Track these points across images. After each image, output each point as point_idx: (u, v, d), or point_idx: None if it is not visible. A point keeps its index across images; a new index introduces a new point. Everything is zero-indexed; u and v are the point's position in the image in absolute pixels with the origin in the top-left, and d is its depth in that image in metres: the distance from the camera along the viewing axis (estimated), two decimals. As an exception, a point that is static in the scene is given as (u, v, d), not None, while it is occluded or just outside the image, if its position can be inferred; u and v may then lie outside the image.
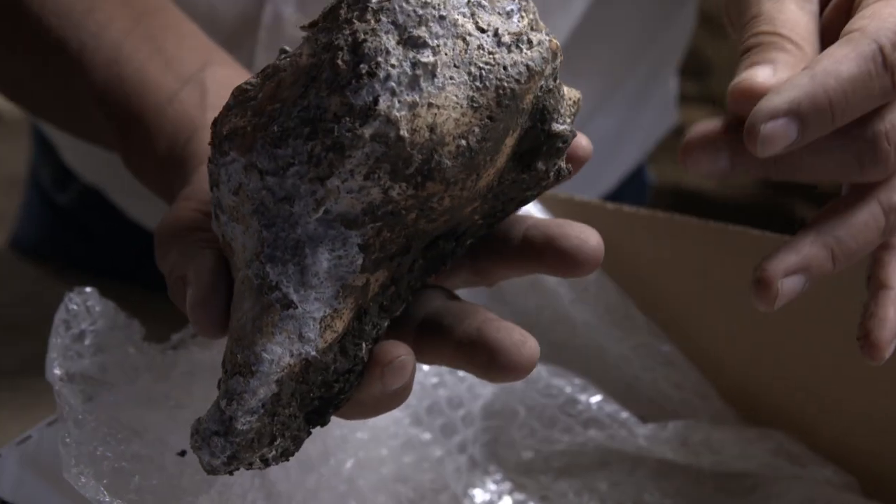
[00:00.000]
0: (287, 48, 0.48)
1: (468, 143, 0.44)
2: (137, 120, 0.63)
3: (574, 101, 0.50)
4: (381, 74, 0.43)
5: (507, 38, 0.45)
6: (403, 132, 0.43)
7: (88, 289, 0.58)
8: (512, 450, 0.68)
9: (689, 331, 0.69)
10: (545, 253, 0.49)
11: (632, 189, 1.07)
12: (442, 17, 0.44)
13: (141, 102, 0.63)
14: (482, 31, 0.45)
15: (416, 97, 0.43)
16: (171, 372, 0.58)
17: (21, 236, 1.11)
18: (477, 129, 0.44)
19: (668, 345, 0.69)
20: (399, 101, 0.43)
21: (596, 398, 0.68)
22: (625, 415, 0.67)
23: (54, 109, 0.73)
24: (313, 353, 0.45)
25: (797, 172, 0.48)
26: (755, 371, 0.68)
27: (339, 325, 0.45)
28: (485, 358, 0.47)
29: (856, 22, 0.47)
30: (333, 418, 0.48)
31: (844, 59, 0.46)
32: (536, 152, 0.48)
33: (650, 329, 0.69)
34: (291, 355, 0.44)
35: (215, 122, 0.47)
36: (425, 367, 0.67)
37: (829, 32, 0.50)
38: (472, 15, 0.45)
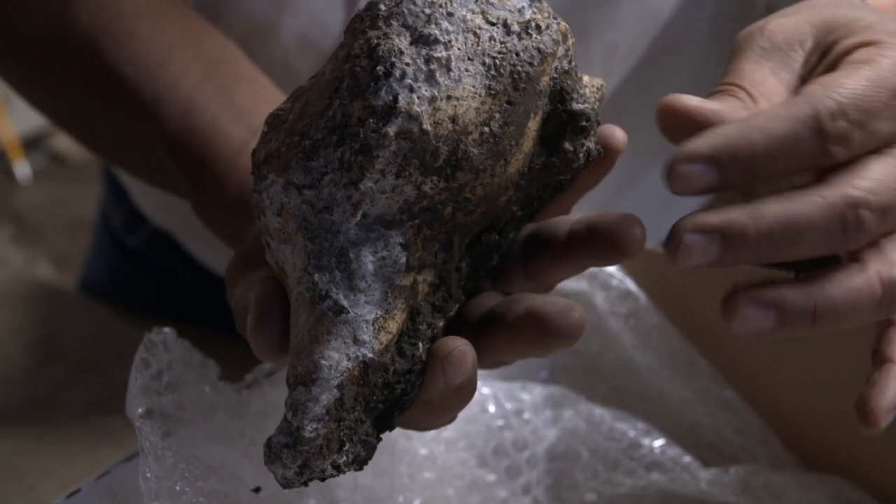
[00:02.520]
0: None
1: (491, 129, 0.45)
2: (209, 170, 0.64)
3: (598, 87, 0.51)
4: (397, 73, 0.44)
5: (516, 27, 0.47)
6: (426, 126, 0.44)
7: (167, 329, 0.60)
8: (575, 492, 0.69)
9: (751, 376, 0.70)
10: (589, 242, 0.50)
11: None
12: (450, 14, 0.46)
13: (212, 153, 0.65)
14: (492, 24, 0.46)
15: (435, 91, 0.44)
16: (245, 410, 0.59)
17: (91, 278, 1.12)
18: (498, 115, 0.46)
19: (730, 390, 0.70)
20: (418, 97, 0.44)
21: (659, 442, 0.68)
22: (687, 459, 0.68)
23: (127, 155, 0.75)
24: (370, 354, 0.46)
25: (787, 255, 0.47)
26: (816, 417, 0.68)
27: (393, 326, 0.47)
28: (535, 330, 0.47)
29: (806, 87, 0.48)
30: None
31: (777, 118, 0.46)
32: (561, 133, 0.49)
33: (712, 375, 0.70)
34: (349, 359, 0.46)
35: (254, 152, 0.49)
36: (491, 409, 0.68)
37: None
38: (482, 12, 0.46)
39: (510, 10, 0.47)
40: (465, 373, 0.47)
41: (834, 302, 0.47)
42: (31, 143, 3.17)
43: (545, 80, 0.48)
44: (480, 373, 0.55)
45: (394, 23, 0.45)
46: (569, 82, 0.49)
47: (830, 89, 0.47)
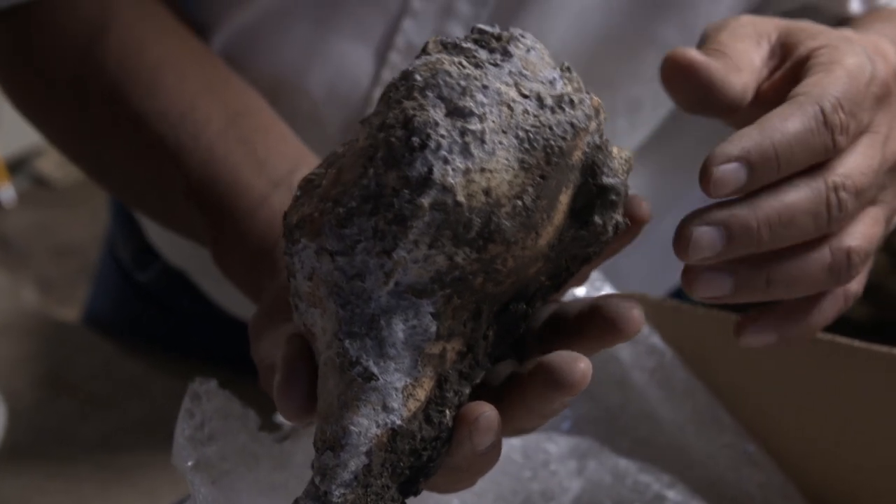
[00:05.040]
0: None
1: (524, 203, 0.46)
2: (229, 220, 0.65)
3: (626, 160, 0.52)
4: (433, 145, 0.45)
5: (549, 101, 0.47)
6: (460, 198, 0.45)
7: (210, 380, 0.60)
8: (599, 544, 0.70)
9: (775, 432, 0.71)
10: (593, 324, 0.51)
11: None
12: (485, 87, 0.46)
13: (233, 204, 0.65)
14: (525, 96, 0.47)
15: (469, 163, 0.45)
16: (289, 461, 0.60)
17: (96, 311, 1.12)
18: (530, 189, 0.46)
19: (753, 445, 0.71)
20: (452, 169, 0.45)
21: (682, 495, 0.69)
22: (710, 513, 0.69)
23: (145, 199, 0.75)
24: (399, 422, 0.46)
25: (784, 240, 0.53)
26: (840, 474, 0.69)
27: (422, 394, 0.47)
28: (541, 382, 0.48)
29: (801, 87, 0.54)
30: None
31: (790, 116, 0.52)
32: (591, 207, 0.50)
33: (737, 429, 0.71)
34: (378, 426, 0.46)
35: (286, 214, 0.49)
36: (519, 460, 0.69)
37: (774, 93, 0.57)
38: (516, 84, 0.47)
39: (542, 82, 0.48)
40: (491, 438, 0.48)
41: (785, 268, 0.53)
42: (15, 166, 3.16)
43: (577, 154, 0.48)
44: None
45: (430, 94, 0.46)
46: (600, 156, 0.49)
47: (824, 87, 0.53)
